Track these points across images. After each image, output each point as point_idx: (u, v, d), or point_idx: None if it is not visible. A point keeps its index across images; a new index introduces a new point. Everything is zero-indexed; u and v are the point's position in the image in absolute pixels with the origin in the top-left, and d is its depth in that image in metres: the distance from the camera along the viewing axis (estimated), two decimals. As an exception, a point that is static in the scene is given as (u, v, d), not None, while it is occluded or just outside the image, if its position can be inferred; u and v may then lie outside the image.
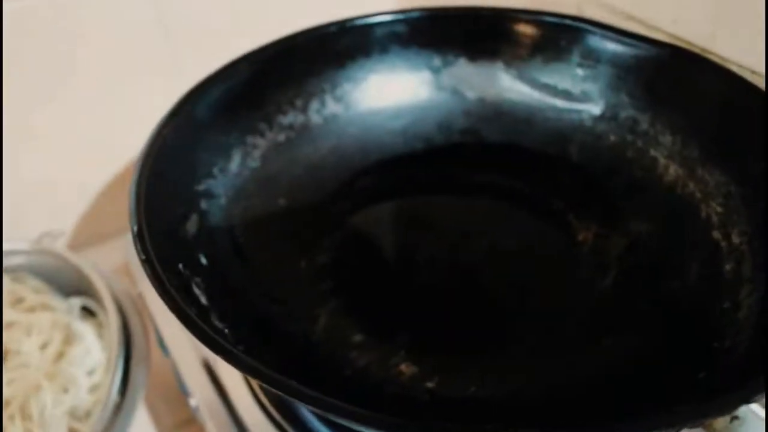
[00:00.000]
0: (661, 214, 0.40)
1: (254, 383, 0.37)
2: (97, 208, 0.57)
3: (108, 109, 0.53)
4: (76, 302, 0.47)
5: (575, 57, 0.44)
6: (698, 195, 0.39)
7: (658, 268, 0.38)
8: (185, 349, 0.41)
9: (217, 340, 0.25)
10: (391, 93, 0.46)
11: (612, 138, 0.43)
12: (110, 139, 0.54)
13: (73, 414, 0.43)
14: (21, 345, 0.44)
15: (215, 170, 0.39)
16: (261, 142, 0.42)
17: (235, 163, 0.41)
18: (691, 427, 0.29)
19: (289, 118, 0.44)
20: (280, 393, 0.24)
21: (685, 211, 0.39)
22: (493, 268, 0.40)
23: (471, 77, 0.46)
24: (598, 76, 0.43)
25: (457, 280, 0.40)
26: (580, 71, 0.44)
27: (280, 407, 0.36)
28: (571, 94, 0.44)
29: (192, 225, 0.36)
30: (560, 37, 0.44)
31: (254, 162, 0.42)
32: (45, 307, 0.46)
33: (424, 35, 0.46)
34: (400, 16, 0.45)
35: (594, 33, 0.43)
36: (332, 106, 0.45)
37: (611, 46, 0.42)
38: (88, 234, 0.58)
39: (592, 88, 0.44)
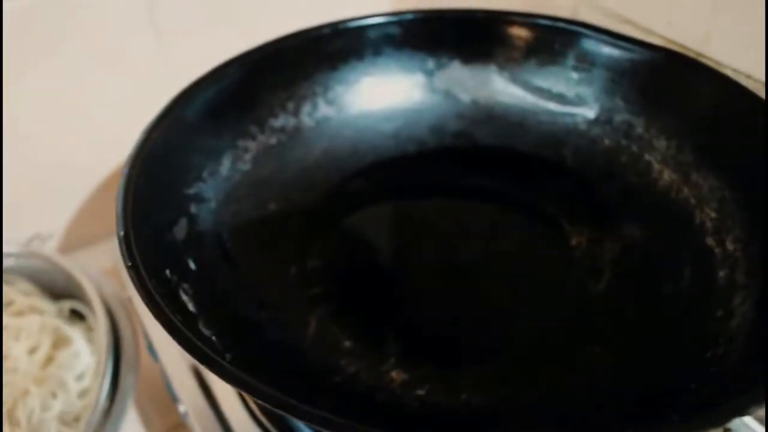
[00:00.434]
0: (655, 219, 0.39)
1: (243, 390, 0.37)
2: (87, 211, 0.57)
3: (98, 112, 0.53)
4: (66, 305, 0.47)
5: (569, 60, 0.43)
6: (692, 200, 0.38)
7: (652, 274, 0.37)
8: (174, 355, 0.41)
9: (203, 349, 0.25)
10: (383, 95, 0.46)
11: (606, 142, 0.43)
12: (100, 141, 0.54)
13: (62, 419, 0.42)
14: (9, 349, 0.44)
15: (205, 173, 0.39)
16: (252, 146, 0.42)
17: (225, 167, 0.40)
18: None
19: (281, 121, 0.43)
20: (266, 404, 0.23)
21: (679, 216, 0.38)
22: (485, 272, 0.40)
23: (464, 80, 0.46)
24: (593, 79, 0.43)
25: (449, 286, 0.39)
26: (574, 74, 0.44)
27: (269, 414, 0.36)
28: (565, 98, 0.44)
29: (181, 229, 0.35)
30: (554, 40, 0.43)
31: (245, 165, 0.41)
32: (34, 311, 0.46)
33: (417, 37, 0.45)
34: (394, 18, 0.45)
35: (588, 36, 0.42)
36: (324, 109, 0.45)
37: (606, 50, 0.42)
38: (77, 237, 0.57)
39: (586, 91, 0.43)
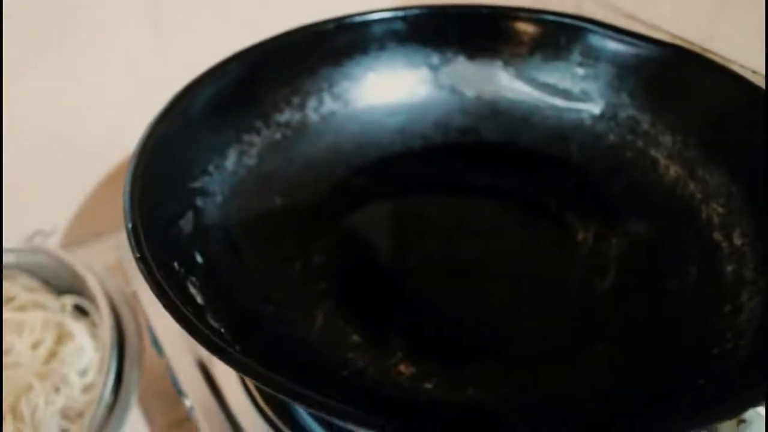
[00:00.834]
0: (661, 215, 0.39)
1: (250, 383, 0.37)
2: (90, 207, 0.57)
3: (99, 109, 0.52)
4: (69, 301, 0.47)
5: (575, 56, 0.43)
6: (699, 196, 0.38)
7: (658, 270, 0.37)
8: (180, 349, 0.40)
9: (213, 339, 0.25)
10: (388, 91, 0.46)
11: (612, 138, 0.43)
12: (101, 138, 0.54)
13: (65, 414, 0.42)
14: (12, 344, 0.43)
15: (211, 167, 0.39)
16: (257, 140, 0.42)
17: (231, 161, 0.40)
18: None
19: (286, 115, 0.43)
20: (277, 394, 0.23)
21: (685, 211, 0.38)
22: (491, 268, 0.40)
23: (469, 75, 0.46)
24: (598, 75, 0.43)
25: (455, 281, 0.39)
26: (579, 70, 0.44)
27: (275, 408, 0.36)
28: (571, 94, 0.44)
29: (187, 223, 0.35)
30: (560, 35, 0.43)
31: (251, 160, 0.41)
32: (37, 306, 0.46)
33: (422, 33, 0.45)
34: (399, 14, 0.45)
35: (594, 32, 0.42)
36: (330, 104, 0.45)
37: (612, 45, 0.42)
38: (80, 233, 0.57)
39: (591, 87, 0.43)
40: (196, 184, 0.38)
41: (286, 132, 0.43)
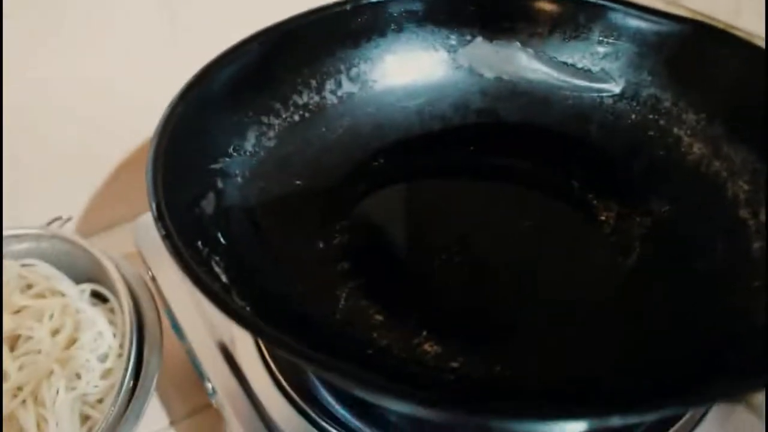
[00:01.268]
0: (685, 193, 0.39)
1: (273, 365, 0.37)
2: (105, 197, 0.57)
3: (117, 96, 0.52)
4: (87, 287, 0.46)
5: (595, 34, 0.43)
6: (724, 173, 0.38)
7: (683, 248, 0.37)
8: (201, 333, 0.40)
9: (243, 313, 0.25)
10: (407, 72, 0.45)
11: (633, 117, 0.42)
12: (116, 126, 0.54)
13: (85, 400, 0.42)
14: (32, 331, 0.43)
15: (230, 149, 0.39)
16: (276, 122, 0.42)
17: (250, 143, 0.40)
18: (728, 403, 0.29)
19: (304, 98, 0.43)
20: (311, 367, 0.23)
21: (710, 189, 0.38)
22: (512, 248, 0.39)
23: (488, 56, 0.45)
24: (619, 53, 0.43)
25: (477, 261, 0.39)
26: (600, 49, 0.43)
27: (298, 389, 0.36)
28: (591, 73, 0.44)
29: (209, 204, 0.35)
30: (579, 13, 0.43)
31: (270, 142, 0.41)
32: (55, 293, 0.46)
33: (440, 13, 0.45)
34: (416, -6, 0.44)
35: (615, 9, 0.42)
36: (348, 86, 0.44)
37: (632, 23, 0.41)
38: (96, 222, 0.57)
39: (612, 66, 0.43)
40: (217, 166, 0.37)
41: (305, 114, 0.43)
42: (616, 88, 0.43)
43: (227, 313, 0.25)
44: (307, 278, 0.36)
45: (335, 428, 0.34)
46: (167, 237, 0.28)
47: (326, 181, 0.41)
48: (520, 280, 0.38)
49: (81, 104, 0.51)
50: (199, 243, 0.31)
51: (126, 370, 0.39)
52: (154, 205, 0.30)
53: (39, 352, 0.43)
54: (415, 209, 0.42)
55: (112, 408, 0.38)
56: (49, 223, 0.49)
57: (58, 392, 0.41)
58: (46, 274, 0.47)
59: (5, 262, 0.46)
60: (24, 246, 0.47)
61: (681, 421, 0.34)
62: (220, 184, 0.37)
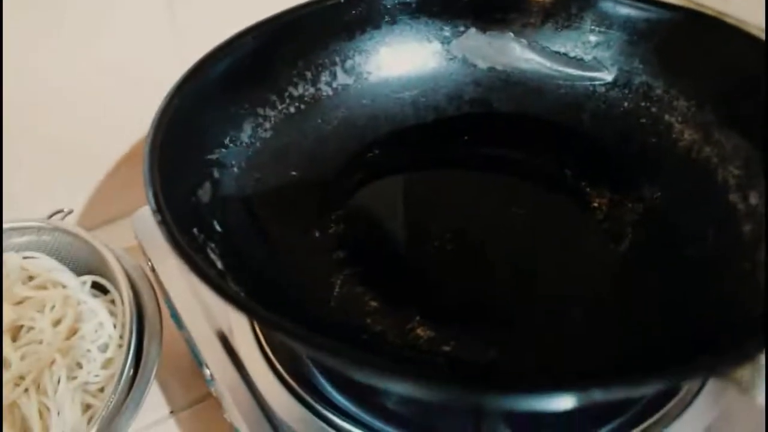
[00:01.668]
0: (676, 179, 0.39)
1: (270, 352, 0.37)
2: (105, 190, 0.57)
3: (112, 91, 0.53)
4: (88, 279, 0.47)
5: (587, 23, 0.43)
6: (715, 159, 0.38)
7: (675, 234, 0.38)
8: (200, 322, 0.41)
9: (237, 296, 0.25)
10: (401, 64, 0.46)
11: (625, 105, 0.43)
12: (115, 120, 0.54)
13: (86, 389, 0.42)
14: (34, 321, 0.44)
15: (227, 140, 0.39)
16: (272, 114, 0.42)
17: (246, 134, 0.40)
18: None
19: (300, 89, 0.43)
20: (312, 351, 0.24)
21: (701, 175, 0.38)
22: (506, 236, 0.40)
23: (481, 47, 0.46)
24: (611, 42, 0.43)
25: (471, 249, 0.39)
26: (592, 38, 0.44)
27: (295, 376, 0.36)
28: (584, 62, 0.44)
29: (205, 193, 0.36)
30: (571, 3, 0.43)
31: (266, 133, 0.41)
32: (57, 285, 0.46)
33: (433, 5, 0.45)
34: (409, -14, 0.45)
35: (606, -2, 0.42)
36: (343, 78, 0.45)
37: (623, 11, 0.42)
38: (96, 215, 0.58)
39: (604, 54, 0.43)
40: (213, 156, 0.38)
41: (300, 105, 0.43)
42: (608, 77, 0.43)
43: (222, 296, 0.25)
44: (303, 266, 0.37)
45: (332, 414, 0.34)
46: (163, 223, 0.29)
47: (322, 171, 0.42)
48: (512, 267, 0.38)
49: (82, 99, 0.52)
50: (195, 230, 0.32)
51: (126, 359, 0.40)
52: (150, 194, 0.30)
53: (41, 342, 0.43)
54: (410, 199, 0.43)
55: (113, 396, 0.39)
56: (50, 216, 0.50)
57: (59, 381, 0.41)
58: (48, 266, 0.47)
59: (7, 255, 0.47)
60: (25, 239, 0.48)
61: (675, 400, 0.35)
62: (216, 174, 0.37)
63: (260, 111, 0.42)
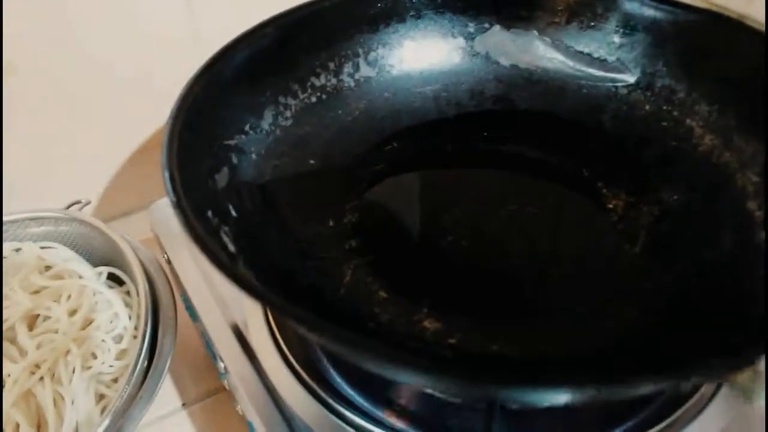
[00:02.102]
0: (694, 183, 0.39)
1: (284, 345, 0.38)
2: (123, 183, 0.57)
3: (132, 82, 0.53)
4: (104, 270, 0.48)
5: (612, 24, 0.43)
6: (734, 164, 0.38)
7: (691, 237, 0.37)
8: (214, 314, 0.41)
9: (246, 278, 0.26)
10: (424, 58, 0.46)
11: (647, 107, 0.42)
12: (134, 111, 0.54)
13: (100, 379, 0.43)
14: (50, 311, 0.44)
15: (247, 127, 0.40)
16: (293, 103, 0.43)
17: (266, 122, 0.41)
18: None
19: (322, 80, 0.44)
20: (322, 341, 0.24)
21: (719, 180, 0.38)
22: (520, 232, 0.40)
23: (505, 44, 0.46)
24: (635, 43, 0.43)
25: (484, 244, 0.39)
26: (616, 39, 0.43)
27: (309, 369, 0.37)
28: (607, 63, 0.44)
29: (222, 177, 0.36)
30: (597, 3, 0.43)
31: (286, 122, 0.42)
32: (73, 275, 0.47)
33: (459, 1, 0.46)
34: (435, -19, 0.45)
35: (631, -1, 0.42)
36: (365, 70, 0.45)
37: (649, 12, 0.42)
38: (113, 208, 0.58)
39: (628, 56, 0.43)
40: (232, 142, 0.38)
41: (322, 96, 0.44)
42: (631, 78, 0.43)
43: (231, 278, 0.26)
44: (315, 254, 0.37)
45: (344, 408, 0.35)
46: (177, 206, 0.29)
47: (340, 161, 0.42)
48: (525, 263, 0.38)
49: (100, 92, 0.52)
50: (210, 213, 0.32)
51: (140, 350, 0.40)
52: (167, 174, 0.31)
53: (56, 331, 0.44)
54: (427, 193, 0.43)
55: (126, 387, 0.39)
56: (68, 207, 0.50)
57: (74, 371, 0.42)
58: (65, 256, 0.48)
59: (25, 244, 0.48)
60: (43, 229, 0.49)
61: (690, 402, 0.35)
62: (234, 160, 0.38)
63: (281, 99, 0.42)
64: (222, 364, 0.40)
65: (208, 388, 0.48)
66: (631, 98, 0.43)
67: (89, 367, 0.42)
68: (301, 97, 0.43)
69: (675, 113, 0.41)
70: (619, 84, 0.43)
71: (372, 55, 0.45)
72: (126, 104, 0.53)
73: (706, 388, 0.35)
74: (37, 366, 0.42)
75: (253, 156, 0.39)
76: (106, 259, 0.48)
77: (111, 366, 0.43)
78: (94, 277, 0.47)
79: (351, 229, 0.39)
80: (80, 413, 0.40)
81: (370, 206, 0.41)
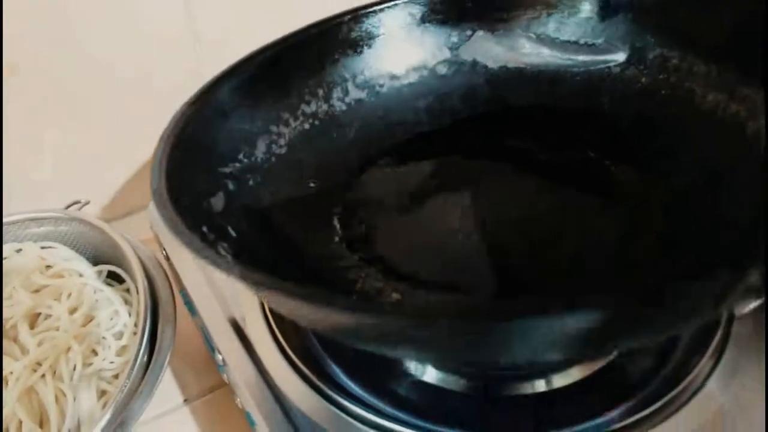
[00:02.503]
0: (704, 142, 0.37)
1: (281, 338, 0.37)
2: (122, 182, 0.58)
3: (133, 84, 0.53)
4: (105, 268, 0.48)
5: (590, 8, 0.43)
6: (743, 113, 0.36)
7: (708, 199, 0.35)
8: (212, 308, 0.41)
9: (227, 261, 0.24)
10: (412, 74, 0.46)
11: (643, 80, 0.42)
12: (134, 112, 0.54)
13: (101, 376, 0.42)
14: (51, 309, 0.45)
15: (240, 156, 0.39)
16: (286, 131, 0.42)
17: (260, 151, 0.40)
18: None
19: (313, 106, 0.44)
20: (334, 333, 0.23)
21: (729, 132, 0.36)
22: (530, 222, 0.39)
23: (491, 48, 0.46)
24: (618, 23, 0.43)
25: (495, 238, 0.38)
26: (598, 22, 0.43)
27: (308, 362, 0.36)
28: (595, 46, 0.43)
29: (218, 201, 0.35)
30: (572, -10, 0.43)
31: (280, 149, 0.41)
32: (73, 273, 0.47)
33: (438, 13, 0.46)
34: (414, -1, 0.45)
35: (606, -23, 0.42)
36: (355, 93, 0.45)
37: (625, -13, 0.41)
38: (113, 208, 0.58)
39: (614, 35, 0.43)
40: (227, 170, 0.38)
41: (314, 122, 0.43)
42: (621, 57, 0.42)
43: (213, 264, 0.25)
44: (323, 269, 0.36)
45: (344, 399, 0.33)
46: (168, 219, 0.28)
47: (339, 180, 0.42)
48: (536, 252, 0.37)
49: (100, 93, 0.53)
50: (205, 228, 0.31)
51: (140, 346, 0.40)
52: (155, 187, 0.30)
53: (57, 329, 0.44)
54: (430, 199, 0.42)
55: (127, 382, 0.39)
56: (68, 207, 0.51)
57: (75, 368, 0.42)
58: (65, 255, 0.49)
59: (26, 244, 0.48)
60: (44, 229, 0.50)
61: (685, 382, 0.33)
62: (231, 186, 0.37)
63: (274, 129, 0.42)
64: (221, 357, 0.39)
65: (209, 383, 0.46)
66: (625, 75, 0.42)
67: (90, 364, 0.42)
68: (294, 125, 0.43)
69: (672, 80, 0.40)
70: (611, 64, 0.43)
71: (360, 78, 0.45)
72: (126, 104, 0.54)
73: (701, 368, 0.33)
74: (39, 363, 0.42)
75: (250, 182, 0.39)
76: (106, 257, 0.48)
77: (112, 362, 0.43)
78: (94, 276, 0.47)
79: (356, 242, 0.38)
80: (82, 409, 0.40)
81: (373, 217, 0.40)
